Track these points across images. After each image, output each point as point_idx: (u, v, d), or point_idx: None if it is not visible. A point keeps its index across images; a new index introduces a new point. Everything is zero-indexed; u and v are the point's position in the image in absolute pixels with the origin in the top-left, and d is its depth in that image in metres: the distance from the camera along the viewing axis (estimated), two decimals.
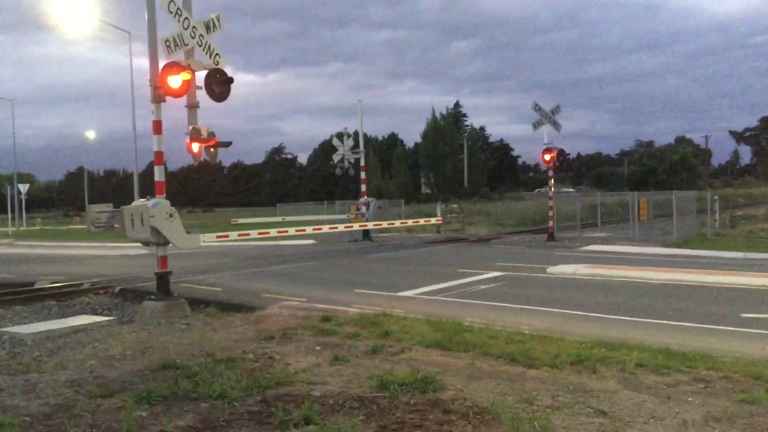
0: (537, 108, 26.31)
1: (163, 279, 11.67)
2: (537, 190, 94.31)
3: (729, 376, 6.47)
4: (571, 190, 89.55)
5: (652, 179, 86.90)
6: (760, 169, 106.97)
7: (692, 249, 21.38)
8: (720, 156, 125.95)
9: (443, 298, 12.87)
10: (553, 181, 27.66)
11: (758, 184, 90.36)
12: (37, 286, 16.11)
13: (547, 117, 26.24)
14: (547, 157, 26.18)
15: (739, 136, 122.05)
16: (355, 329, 8.99)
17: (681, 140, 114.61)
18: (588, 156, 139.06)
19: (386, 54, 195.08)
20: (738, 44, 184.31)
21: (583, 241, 25.00)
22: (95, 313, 12.59)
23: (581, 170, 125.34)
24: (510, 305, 11.89)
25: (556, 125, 26.41)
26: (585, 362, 6.97)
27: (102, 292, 14.89)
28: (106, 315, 12.17)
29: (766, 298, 12.00)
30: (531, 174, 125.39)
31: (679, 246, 22.58)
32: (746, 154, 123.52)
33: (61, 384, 6.69)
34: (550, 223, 27.03)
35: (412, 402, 5.76)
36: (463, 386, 6.24)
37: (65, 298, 14.24)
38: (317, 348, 7.97)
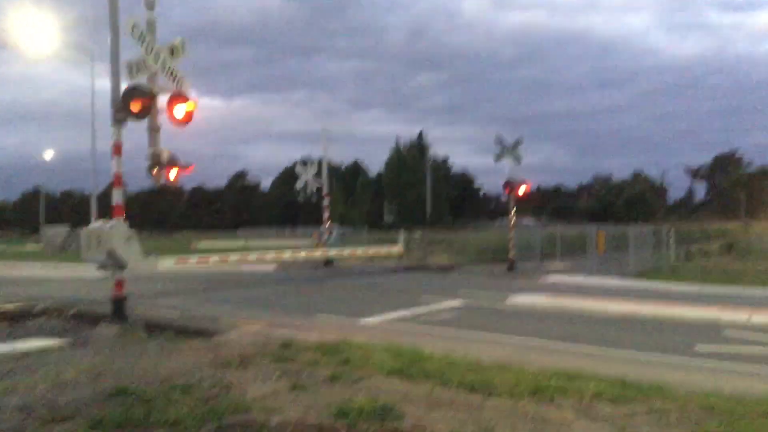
0: (499, 141, 26.78)
1: (118, 303, 11.46)
2: (498, 220, 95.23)
3: (684, 408, 6.56)
4: (531, 221, 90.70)
5: (609, 213, 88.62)
6: (714, 205, 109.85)
7: (649, 281, 21.79)
8: (675, 192, 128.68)
9: (404, 326, 12.86)
10: (513, 212, 28.01)
11: (712, 219, 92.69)
12: None
13: (508, 150, 26.69)
14: (508, 189, 26.56)
15: (694, 173, 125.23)
16: (315, 356, 8.90)
17: (638, 175, 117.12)
18: (548, 189, 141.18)
19: (352, 83, 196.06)
20: (694, 84, 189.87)
21: (543, 272, 25.28)
22: (48, 336, 12.22)
23: (541, 202, 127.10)
24: (470, 334, 11.93)
25: (517, 158, 26.86)
26: (543, 392, 7.01)
27: (56, 315, 14.48)
28: (60, 338, 11.83)
29: (719, 331, 12.26)
30: (492, 205, 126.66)
31: (636, 278, 22.99)
32: (701, 190, 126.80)
33: (10, 409, 6.47)
34: (511, 254, 27.31)
35: (371, 430, 5.71)
36: (423, 415, 6.21)
37: (17, 320, 13.81)
38: (276, 375, 7.85)
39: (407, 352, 9.16)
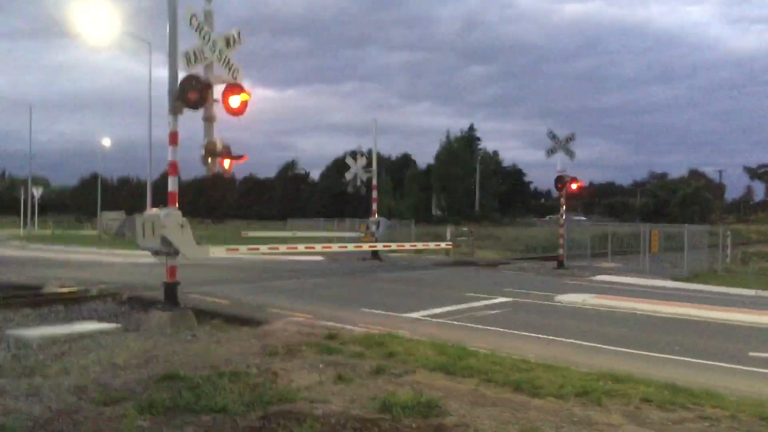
0: (551, 135, 26.37)
1: (171, 289, 11.69)
2: (548, 216, 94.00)
3: (735, 416, 6.39)
4: (582, 218, 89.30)
5: (664, 211, 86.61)
6: None
7: (702, 284, 21.23)
8: (733, 191, 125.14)
9: (449, 322, 12.83)
10: (564, 208, 27.60)
11: None
12: (45, 290, 16.17)
13: (561, 144, 26.27)
14: (560, 184, 26.18)
15: (753, 172, 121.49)
16: (360, 348, 8.96)
17: (694, 173, 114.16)
18: (600, 185, 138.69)
19: (403, 75, 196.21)
20: (754, 80, 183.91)
21: (592, 271, 24.88)
22: (102, 319, 12.59)
23: (593, 199, 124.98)
24: (516, 332, 11.83)
25: (569, 153, 26.43)
26: (590, 394, 6.91)
27: (110, 299, 14.92)
28: (113, 322, 12.17)
29: None
30: (542, 200, 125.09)
31: (688, 280, 22.43)
32: (760, 190, 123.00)
33: (64, 389, 6.70)
34: (560, 251, 26.95)
35: (414, 426, 5.73)
36: (467, 412, 6.20)
37: (73, 303, 14.26)
38: (321, 366, 7.94)
39: (452, 348, 9.14)
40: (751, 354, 10.35)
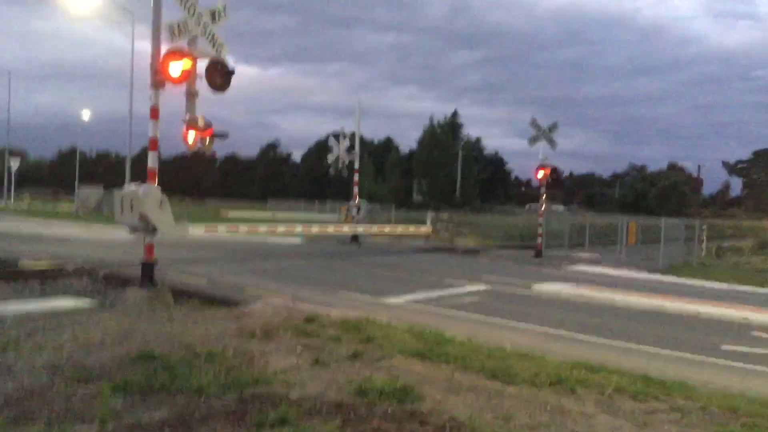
0: (534, 124, 26.43)
1: (147, 267, 11.60)
2: (528, 205, 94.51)
3: (706, 408, 6.48)
4: (561, 208, 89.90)
5: (642, 203, 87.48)
6: (749, 202, 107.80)
7: (677, 277, 21.50)
8: (711, 185, 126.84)
9: (428, 308, 12.87)
10: (544, 198, 27.75)
11: (747, 216, 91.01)
12: (20, 264, 15.96)
13: (543, 134, 26.36)
14: (541, 173, 26.34)
15: (731, 168, 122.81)
16: (338, 332, 8.96)
17: (673, 167, 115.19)
18: (580, 176, 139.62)
19: (389, 57, 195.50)
20: (737, 76, 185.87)
21: (570, 261, 25.08)
22: (78, 296, 12.46)
23: (573, 189, 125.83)
24: (493, 319, 11.91)
25: (551, 142, 26.53)
26: (564, 383, 6.98)
27: (85, 275, 14.76)
28: (89, 299, 12.07)
29: (747, 332, 12.08)
30: (523, 189, 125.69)
31: (664, 272, 22.70)
32: (737, 185, 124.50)
33: (37, 367, 6.62)
34: (539, 240, 27.13)
35: (389, 411, 5.74)
36: (442, 398, 6.22)
37: (48, 278, 14.10)
38: (298, 349, 7.92)
39: (429, 334, 9.17)
40: (723, 347, 10.51)
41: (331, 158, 30.74)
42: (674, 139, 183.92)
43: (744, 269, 25.46)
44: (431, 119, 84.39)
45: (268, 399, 5.85)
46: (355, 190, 30.02)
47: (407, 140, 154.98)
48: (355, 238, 29.05)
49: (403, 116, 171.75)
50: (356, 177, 30.44)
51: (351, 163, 30.44)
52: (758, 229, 62.63)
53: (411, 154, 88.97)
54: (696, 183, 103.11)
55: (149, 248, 11.64)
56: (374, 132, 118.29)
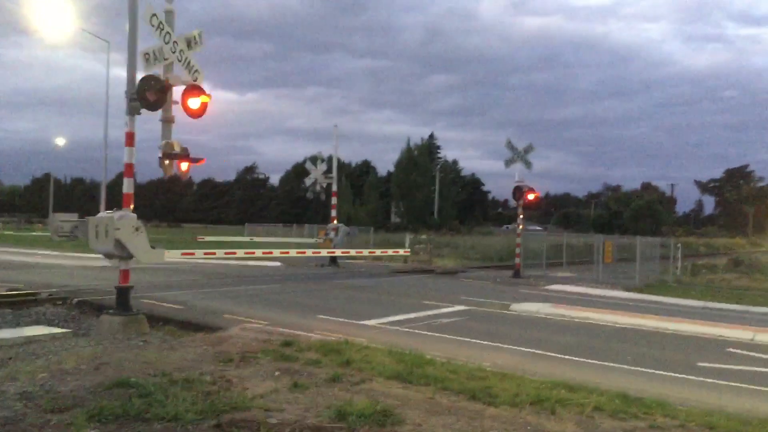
0: (510, 146, 26.70)
1: (123, 293, 11.45)
2: (505, 226, 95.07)
3: (685, 425, 6.53)
4: (538, 228, 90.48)
5: (617, 223, 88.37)
6: (722, 220, 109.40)
7: (653, 295, 21.68)
8: (684, 204, 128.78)
9: (407, 329, 12.84)
10: (522, 218, 27.93)
11: (720, 234, 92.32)
12: None
13: (519, 155, 26.62)
14: (518, 194, 26.50)
15: (703, 186, 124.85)
16: (317, 356, 8.90)
17: (647, 186, 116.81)
18: (556, 196, 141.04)
19: (365, 82, 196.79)
20: (707, 97, 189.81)
21: (548, 280, 25.21)
22: (51, 324, 12.27)
23: (549, 210, 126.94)
24: (472, 340, 11.90)
25: (527, 164, 26.80)
26: (544, 403, 6.98)
27: (60, 303, 14.54)
28: (63, 327, 11.87)
29: (723, 348, 12.20)
30: (500, 210, 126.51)
31: (640, 291, 22.88)
32: (710, 204, 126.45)
33: (10, 396, 6.49)
34: (517, 260, 27.25)
35: None
36: (422, 421, 6.19)
37: (21, 306, 13.86)
38: (276, 373, 7.86)
39: (409, 356, 9.14)
40: (700, 364, 10.59)
41: (308, 182, 30.73)
42: (647, 159, 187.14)
43: (719, 287, 25.76)
44: (408, 142, 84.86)
45: (247, 425, 5.78)
46: (333, 213, 29.99)
47: (385, 163, 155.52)
48: (333, 260, 28.96)
49: (380, 139, 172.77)
50: (334, 200, 30.43)
51: (329, 186, 30.45)
52: (732, 246, 63.55)
53: (389, 176, 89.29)
54: (670, 202, 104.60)
55: (125, 274, 11.50)
56: (352, 155, 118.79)
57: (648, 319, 15.18)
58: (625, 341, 12.60)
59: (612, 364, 10.36)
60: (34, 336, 10.17)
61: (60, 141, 54.47)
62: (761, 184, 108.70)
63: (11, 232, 55.09)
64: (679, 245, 30.84)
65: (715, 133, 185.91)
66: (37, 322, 12.33)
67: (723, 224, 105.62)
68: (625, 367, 10.24)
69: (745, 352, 11.83)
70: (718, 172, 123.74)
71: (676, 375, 9.78)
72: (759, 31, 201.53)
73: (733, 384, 9.35)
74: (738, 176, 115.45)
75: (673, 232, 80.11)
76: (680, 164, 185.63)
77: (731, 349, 12.11)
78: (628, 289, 23.06)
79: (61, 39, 31.51)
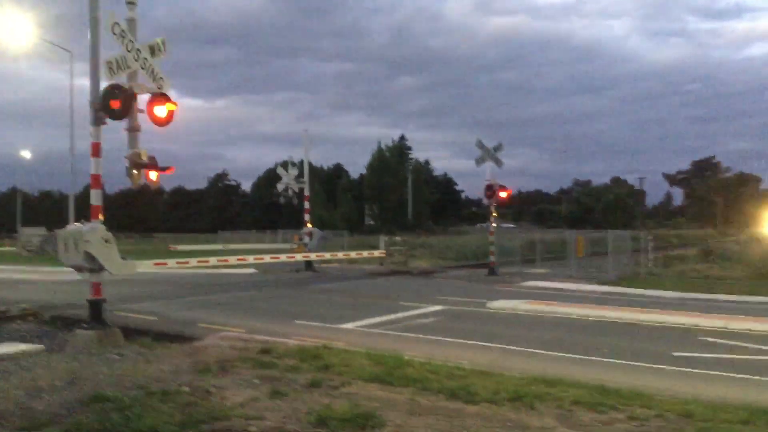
0: (480, 145, 26.86)
1: (96, 307, 11.27)
2: (479, 225, 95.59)
3: (662, 415, 6.60)
4: (511, 225, 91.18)
5: (588, 218, 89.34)
6: (691, 211, 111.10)
7: (627, 287, 21.94)
8: (654, 197, 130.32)
9: (385, 331, 12.83)
10: (494, 216, 28.10)
11: (690, 225, 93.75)
12: None
13: (489, 154, 26.78)
14: (489, 192, 26.66)
15: (672, 179, 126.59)
16: (295, 362, 8.85)
17: (617, 181, 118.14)
18: (528, 193, 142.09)
19: (334, 85, 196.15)
20: (672, 91, 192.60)
21: (522, 277, 25.38)
22: (24, 340, 12.03)
23: (521, 207, 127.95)
24: (451, 339, 11.93)
25: (498, 162, 26.97)
26: (523, 398, 7.02)
27: (31, 318, 14.29)
28: (36, 343, 11.64)
29: (696, 338, 12.38)
30: (474, 209, 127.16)
31: (614, 284, 23.14)
32: (678, 196, 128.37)
33: None
34: (491, 258, 27.40)
35: None
36: (403, 422, 6.19)
37: None
38: (256, 381, 7.80)
39: (388, 358, 9.14)
40: (675, 354, 10.74)
41: (280, 187, 30.57)
42: (616, 154, 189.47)
43: (690, 277, 26.14)
44: (379, 144, 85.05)
45: None
46: (307, 217, 29.88)
47: (357, 166, 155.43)
48: (309, 265, 28.86)
49: (351, 142, 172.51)
50: (307, 204, 30.33)
51: (301, 190, 30.35)
52: (701, 237, 64.53)
53: (361, 179, 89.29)
54: (639, 195, 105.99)
55: (96, 287, 11.32)
56: (323, 159, 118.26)
57: (623, 311, 15.36)
58: (601, 334, 12.73)
59: (589, 358, 10.46)
60: (5, 353, 9.95)
61: (26, 154, 53.53)
62: (728, 174, 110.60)
63: None
64: (650, 237, 31.25)
65: (681, 126, 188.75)
66: (9, 339, 12.07)
67: (692, 215, 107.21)
68: (602, 359, 10.36)
69: (718, 340, 12.02)
70: (685, 165, 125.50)
71: (652, 365, 9.90)
72: (719, 24, 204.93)
73: (708, 372, 9.50)
74: (705, 168, 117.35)
75: (644, 225, 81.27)
76: (648, 158, 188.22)
77: (705, 338, 12.29)
78: (602, 283, 23.31)
79: (23, 50, 30.88)
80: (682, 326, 13.58)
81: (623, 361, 10.15)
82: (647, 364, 9.95)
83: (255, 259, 22.76)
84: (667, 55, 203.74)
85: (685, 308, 16.28)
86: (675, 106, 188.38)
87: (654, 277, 26.03)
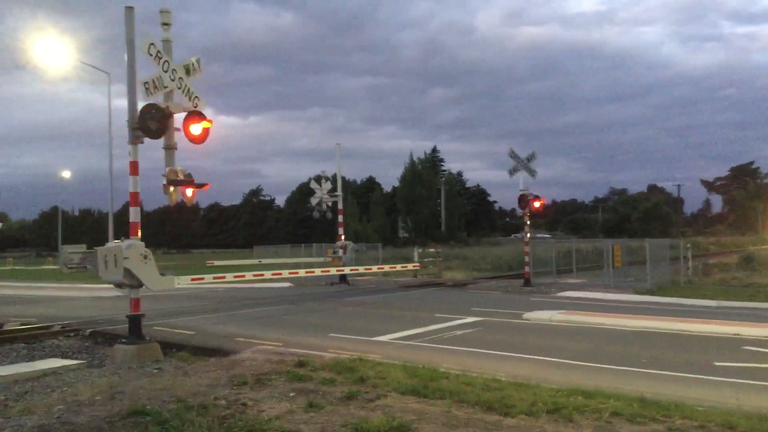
0: (513, 155, 26.67)
1: (135, 322, 11.47)
2: (513, 235, 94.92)
3: (704, 426, 6.46)
4: (546, 235, 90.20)
5: (625, 226, 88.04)
6: (730, 218, 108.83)
7: (665, 296, 21.56)
8: (692, 204, 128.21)
9: (419, 344, 12.79)
10: (528, 226, 27.87)
11: (729, 232, 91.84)
12: (5, 327, 15.74)
13: (522, 164, 26.58)
14: (523, 203, 26.46)
15: (710, 186, 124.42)
16: (331, 375, 8.88)
17: (653, 188, 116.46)
18: (563, 203, 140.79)
19: (366, 100, 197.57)
20: (708, 97, 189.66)
21: (558, 287, 25.10)
22: (65, 356, 12.30)
23: (556, 216, 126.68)
24: (486, 351, 11.84)
25: (531, 172, 26.75)
26: (561, 410, 6.93)
27: (72, 334, 14.59)
28: (76, 358, 11.90)
29: (739, 347, 12.10)
30: (507, 219, 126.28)
31: (652, 293, 22.76)
32: (717, 203, 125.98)
33: (27, 430, 6.50)
34: (526, 269, 27.14)
35: None
36: None
37: (34, 340, 13.91)
38: (291, 394, 7.84)
39: (423, 370, 9.11)
40: (717, 364, 10.51)
41: (314, 201, 30.77)
42: (652, 162, 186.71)
43: (731, 285, 25.60)
44: (411, 156, 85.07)
45: None
46: (340, 231, 30.01)
47: (389, 179, 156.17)
48: (343, 278, 28.95)
49: (383, 156, 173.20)
50: (340, 218, 30.47)
51: (334, 204, 30.49)
52: (742, 244, 63.17)
53: (394, 192, 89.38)
54: (677, 203, 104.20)
55: (135, 302, 11.53)
56: (356, 172, 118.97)
57: (662, 321, 15.09)
58: (639, 344, 12.52)
59: (628, 368, 10.29)
60: (48, 369, 10.18)
61: (66, 174, 54.85)
62: (767, 180, 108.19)
63: (23, 267, 55.33)
64: (688, 245, 30.71)
65: (718, 131, 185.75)
66: (51, 355, 12.37)
67: (732, 222, 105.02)
68: (642, 370, 10.17)
69: (761, 350, 11.74)
70: (723, 171, 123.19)
71: (693, 376, 9.70)
72: (756, 28, 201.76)
73: (751, 382, 9.27)
74: (744, 173, 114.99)
75: (683, 233, 79.81)
76: (685, 165, 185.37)
77: (748, 347, 12.01)
78: (639, 292, 22.94)
79: (62, 73, 31.74)
80: (724, 335, 13.29)
81: (663, 372, 9.96)
82: (688, 375, 9.76)
83: (290, 273, 22.89)
84: (702, 60, 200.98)
85: (726, 317, 15.93)
86: (711, 111, 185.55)
87: (693, 286, 25.55)
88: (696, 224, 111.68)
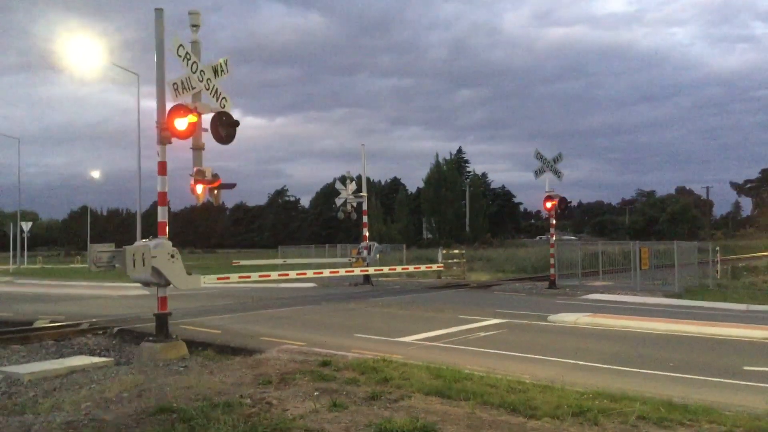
0: (539, 156, 26.52)
1: (162, 320, 11.60)
2: (538, 237, 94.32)
3: (732, 430, 6.38)
4: (572, 237, 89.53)
5: (653, 228, 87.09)
6: (761, 221, 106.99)
7: (694, 300, 21.27)
8: (721, 207, 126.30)
9: (443, 345, 12.78)
10: (554, 228, 27.69)
11: (759, 235, 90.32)
12: (35, 325, 16.01)
13: (548, 165, 26.41)
14: (549, 204, 26.28)
15: (739, 188, 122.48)
16: (354, 375, 8.91)
17: (682, 190, 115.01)
18: (589, 204, 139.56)
19: (392, 100, 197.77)
20: (738, 98, 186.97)
21: (584, 290, 24.89)
22: (93, 353, 12.49)
23: (582, 218, 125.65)
24: (511, 353, 11.79)
25: (557, 173, 26.56)
26: (586, 413, 6.88)
27: (100, 332, 14.79)
28: (104, 356, 12.07)
29: None
30: (532, 221, 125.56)
31: (680, 297, 22.47)
32: (747, 205, 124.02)
33: (56, 426, 6.61)
34: (552, 271, 26.95)
35: None
36: None
37: (63, 337, 14.14)
38: (315, 393, 7.88)
39: (447, 371, 9.10)
40: (746, 368, 10.35)
41: (339, 202, 30.88)
42: (680, 163, 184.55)
43: (761, 288, 25.18)
44: (436, 157, 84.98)
45: None
46: (365, 231, 30.07)
47: (414, 180, 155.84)
48: (367, 279, 29.01)
49: (408, 156, 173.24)
50: (365, 219, 30.53)
51: (359, 205, 30.57)
52: None
53: (418, 192, 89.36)
54: (706, 205, 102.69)
55: (163, 301, 11.66)
56: (381, 173, 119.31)
57: (689, 324, 14.89)
58: (666, 348, 12.37)
59: (654, 372, 10.16)
60: (76, 366, 10.34)
61: (95, 173, 55.74)
62: None
63: (52, 266, 56.25)
64: (717, 248, 30.27)
65: (749, 133, 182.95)
66: (80, 352, 12.56)
67: (762, 225, 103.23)
68: (669, 374, 10.05)
69: None
70: (754, 173, 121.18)
71: (721, 380, 9.57)
72: None
73: None
74: None
75: (711, 235, 78.66)
76: (715, 166, 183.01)
77: None
78: (667, 295, 22.67)
79: (92, 74, 32.24)
80: (753, 339, 13.09)
81: (691, 376, 9.84)
82: (716, 379, 9.62)
83: (314, 273, 22.98)
84: (733, 61, 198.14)
85: (756, 321, 15.68)
86: (742, 113, 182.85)
87: (722, 289, 25.17)
88: (725, 227, 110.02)
